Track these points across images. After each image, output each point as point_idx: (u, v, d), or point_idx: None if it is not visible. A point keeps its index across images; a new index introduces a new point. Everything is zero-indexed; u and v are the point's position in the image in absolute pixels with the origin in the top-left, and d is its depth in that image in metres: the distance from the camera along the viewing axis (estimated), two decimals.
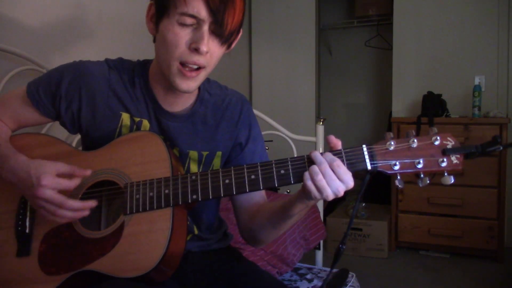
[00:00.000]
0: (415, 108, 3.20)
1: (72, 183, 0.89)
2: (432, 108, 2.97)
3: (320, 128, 2.12)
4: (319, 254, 2.12)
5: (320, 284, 1.67)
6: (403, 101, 3.34)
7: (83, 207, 0.89)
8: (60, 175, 0.89)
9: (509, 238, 3.02)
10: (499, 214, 2.82)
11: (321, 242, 2.11)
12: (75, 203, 0.88)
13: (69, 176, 0.90)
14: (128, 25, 2.23)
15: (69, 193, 0.90)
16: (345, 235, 0.90)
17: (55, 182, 0.87)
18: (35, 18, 1.76)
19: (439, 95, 3.02)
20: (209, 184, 0.87)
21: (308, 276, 1.75)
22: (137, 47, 2.04)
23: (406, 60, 3.32)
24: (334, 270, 0.90)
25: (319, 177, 0.80)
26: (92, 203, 0.89)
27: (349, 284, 1.69)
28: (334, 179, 0.80)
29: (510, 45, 3.07)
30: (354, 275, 1.76)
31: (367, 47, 3.86)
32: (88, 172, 0.92)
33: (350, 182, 0.81)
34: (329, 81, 4.08)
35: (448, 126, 2.95)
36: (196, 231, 1.09)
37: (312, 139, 2.16)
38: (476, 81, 3.09)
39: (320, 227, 2.09)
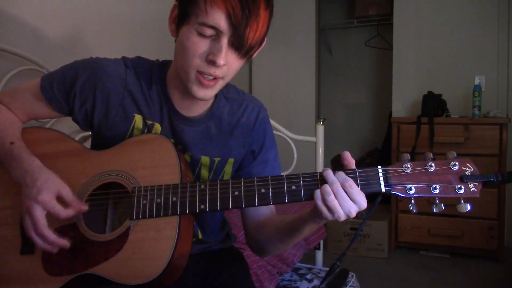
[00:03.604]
0: (415, 108, 3.20)
1: (64, 213, 0.87)
2: (432, 108, 2.97)
3: (320, 128, 2.12)
4: (319, 254, 2.12)
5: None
6: (403, 101, 3.34)
7: (56, 243, 0.86)
8: (60, 199, 0.87)
9: (509, 238, 3.02)
10: (499, 214, 2.82)
11: (321, 242, 2.11)
12: (50, 236, 0.86)
13: (67, 204, 0.88)
14: (130, 26, 2.23)
15: (61, 218, 0.88)
16: (343, 253, 0.87)
17: (51, 203, 0.86)
18: (36, 17, 1.76)
19: (439, 95, 3.02)
20: (218, 194, 0.86)
21: (308, 276, 1.75)
22: (139, 48, 2.04)
23: (406, 60, 3.32)
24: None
25: (331, 197, 0.78)
26: (64, 242, 0.87)
27: (349, 284, 1.69)
28: (346, 200, 0.78)
29: (510, 45, 3.07)
30: (354, 275, 1.76)
31: (367, 47, 3.86)
32: (85, 208, 0.90)
33: (363, 203, 0.79)
34: (329, 81, 4.07)
35: (448, 126, 2.95)
36: (200, 236, 1.08)
37: (312, 139, 2.16)
38: (476, 81, 3.09)
39: (320, 227, 2.09)
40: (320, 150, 2.12)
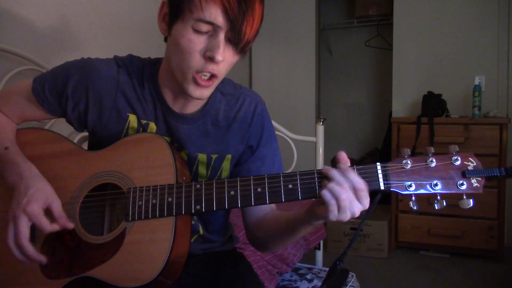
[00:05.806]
0: (415, 108, 3.20)
1: (49, 228, 0.86)
2: (432, 108, 2.98)
3: (320, 128, 2.12)
4: (319, 254, 2.12)
5: (320, 284, 1.67)
6: (403, 101, 3.34)
7: (33, 257, 0.85)
8: (49, 211, 0.87)
9: (509, 238, 3.02)
10: (499, 214, 2.82)
11: (321, 242, 2.11)
12: (28, 249, 0.85)
13: (54, 219, 0.87)
14: (130, 25, 2.23)
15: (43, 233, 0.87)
16: (344, 253, 0.85)
17: (38, 217, 0.85)
18: (36, 17, 1.76)
19: (439, 95, 3.03)
20: (214, 195, 0.84)
21: (308, 276, 1.75)
22: (139, 47, 2.04)
23: (406, 60, 3.32)
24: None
25: (343, 197, 0.74)
26: (42, 258, 0.86)
27: (349, 284, 1.69)
28: (354, 200, 0.75)
29: (510, 45, 3.07)
30: (354, 275, 1.77)
31: (367, 47, 3.86)
32: (70, 226, 0.88)
33: (367, 204, 0.76)
34: (329, 81, 4.07)
35: (448, 126, 2.95)
36: (201, 231, 1.06)
37: (312, 139, 2.16)
38: (476, 81, 3.09)
39: (320, 227, 2.09)
40: (320, 150, 2.12)
